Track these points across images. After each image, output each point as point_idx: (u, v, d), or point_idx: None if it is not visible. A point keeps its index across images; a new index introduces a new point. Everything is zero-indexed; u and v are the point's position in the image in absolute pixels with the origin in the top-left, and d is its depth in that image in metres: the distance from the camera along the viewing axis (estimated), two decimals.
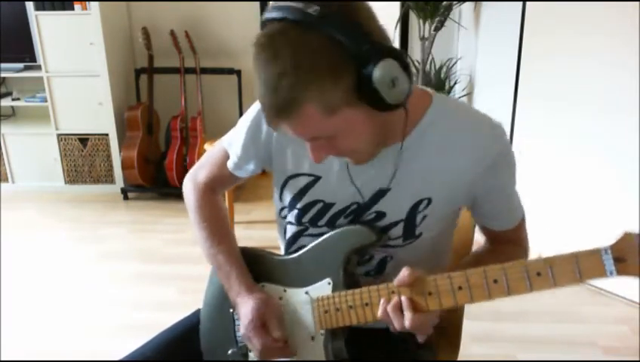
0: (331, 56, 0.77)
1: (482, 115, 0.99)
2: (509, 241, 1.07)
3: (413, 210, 0.97)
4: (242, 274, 1.07)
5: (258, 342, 1.00)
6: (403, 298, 0.89)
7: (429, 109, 0.96)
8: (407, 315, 0.88)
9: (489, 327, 2.21)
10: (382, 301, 0.92)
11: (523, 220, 1.07)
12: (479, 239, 1.14)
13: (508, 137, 0.98)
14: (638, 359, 2.03)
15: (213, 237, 1.12)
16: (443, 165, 0.95)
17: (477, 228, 1.13)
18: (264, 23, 0.82)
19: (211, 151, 1.19)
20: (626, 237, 0.78)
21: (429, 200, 0.97)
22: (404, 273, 0.89)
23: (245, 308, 1.03)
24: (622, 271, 0.78)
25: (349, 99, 0.80)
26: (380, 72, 0.77)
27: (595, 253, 0.79)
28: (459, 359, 1.27)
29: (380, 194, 0.98)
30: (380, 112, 0.82)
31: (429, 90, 0.99)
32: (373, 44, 0.78)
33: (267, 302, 1.02)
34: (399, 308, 0.90)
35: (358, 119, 0.83)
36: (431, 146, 0.95)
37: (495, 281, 0.85)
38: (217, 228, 1.14)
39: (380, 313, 0.92)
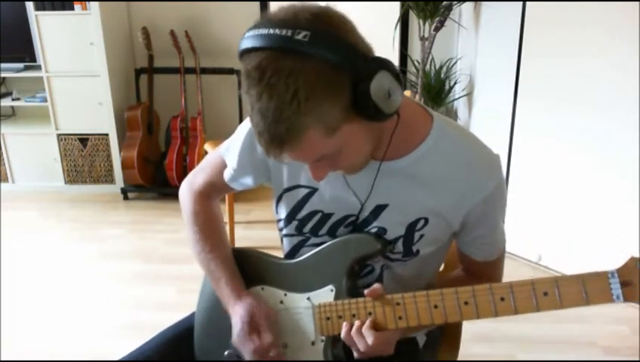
0: (327, 78, 0.75)
1: (481, 145, 0.99)
2: (484, 275, 1.07)
3: (411, 227, 0.98)
4: (232, 281, 1.07)
5: (248, 348, 1.01)
6: (368, 321, 0.92)
7: (430, 133, 0.96)
8: (369, 334, 0.91)
9: (489, 327, 2.20)
10: (344, 324, 0.94)
11: (503, 254, 1.08)
12: None
13: (503, 170, 0.99)
14: (638, 359, 2.03)
15: (205, 243, 1.12)
16: (438, 192, 0.96)
17: None
18: (245, 53, 0.79)
19: (210, 157, 1.18)
20: (632, 261, 0.78)
21: (427, 220, 0.97)
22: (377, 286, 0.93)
23: (235, 315, 1.03)
24: (628, 296, 0.77)
25: (347, 116, 0.79)
26: (377, 85, 0.78)
27: (602, 276, 0.79)
28: (459, 359, 1.26)
29: (379, 209, 0.99)
30: (378, 123, 0.83)
31: (429, 110, 0.99)
32: (366, 59, 0.78)
33: (257, 307, 1.03)
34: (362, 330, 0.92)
35: (357, 133, 0.84)
36: (429, 172, 0.96)
37: (502, 299, 0.86)
38: (210, 234, 1.13)
39: (343, 335, 0.94)
